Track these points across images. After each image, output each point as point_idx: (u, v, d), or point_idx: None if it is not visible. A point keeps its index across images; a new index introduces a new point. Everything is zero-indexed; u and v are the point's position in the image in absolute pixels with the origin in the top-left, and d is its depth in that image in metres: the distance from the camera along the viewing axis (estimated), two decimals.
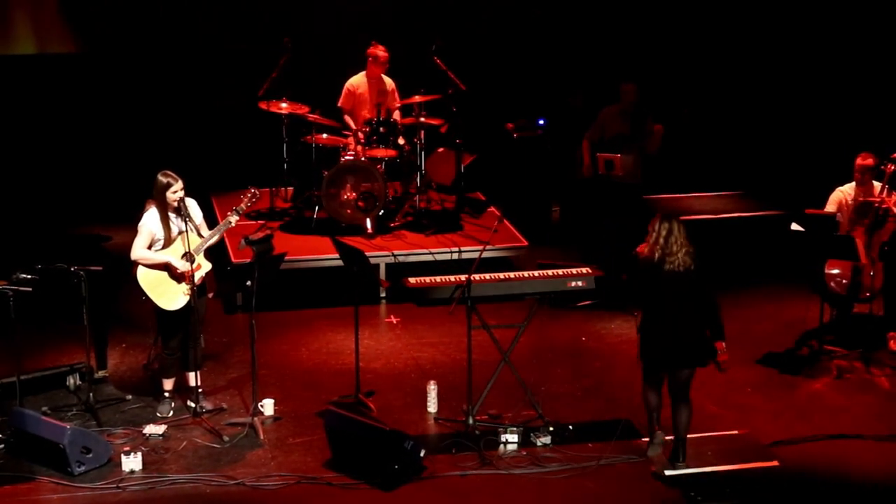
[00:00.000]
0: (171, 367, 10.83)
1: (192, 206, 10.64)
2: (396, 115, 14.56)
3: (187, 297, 10.46)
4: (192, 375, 10.75)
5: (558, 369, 11.57)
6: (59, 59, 16.69)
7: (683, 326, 9.55)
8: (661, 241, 9.51)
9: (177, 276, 10.45)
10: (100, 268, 10.70)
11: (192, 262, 10.39)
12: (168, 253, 10.45)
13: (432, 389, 10.79)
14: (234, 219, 10.66)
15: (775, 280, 13.79)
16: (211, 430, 10.40)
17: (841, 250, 11.57)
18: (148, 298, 10.46)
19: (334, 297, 12.91)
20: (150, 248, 10.46)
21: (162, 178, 10.40)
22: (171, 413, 10.72)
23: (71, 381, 11.22)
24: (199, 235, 10.56)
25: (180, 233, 10.45)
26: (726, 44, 16.96)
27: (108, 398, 11.05)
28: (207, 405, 10.78)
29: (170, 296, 10.49)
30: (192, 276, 10.38)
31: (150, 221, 10.48)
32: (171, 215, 10.47)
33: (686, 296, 9.52)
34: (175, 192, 10.37)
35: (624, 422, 10.41)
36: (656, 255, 9.51)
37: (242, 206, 10.82)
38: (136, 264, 10.44)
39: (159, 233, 10.49)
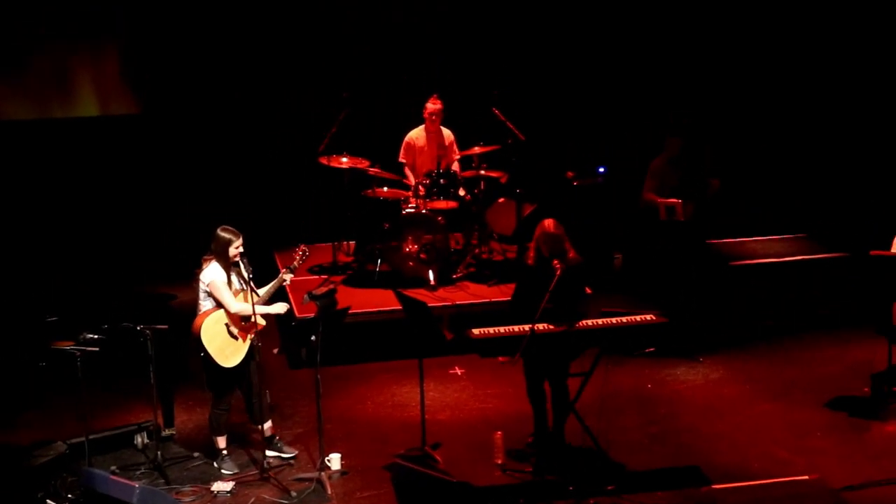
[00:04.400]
0: (224, 424, 10.87)
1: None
2: (455, 167, 14.57)
3: (244, 355, 10.54)
4: (265, 427, 10.82)
5: (624, 417, 11.51)
6: (121, 121, 16.87)
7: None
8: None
9: (236, 333, 10.53)
10: (165, 326, 10.79)
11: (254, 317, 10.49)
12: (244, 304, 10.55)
13: (499, 440, 10.78)
14: (288, 277, 10.77)
15: (840, 323, 13.65)
16: (279, 486, 10.43)
17: None
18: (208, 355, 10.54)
19: (398, 350, 12.90)
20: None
21: (224, 234, 10.49)
22: (236, 469, 10.75)
23: (139, 439, 11.30)
24: (253, 291, 10.63)
25: (242, 289, 10.54)
26: (786, 89, 16.92)
27: (176, 456, 11.11)
28: (288, 449, 10.91)
29: (228, 353, 10.54)
30: (255, 330, 10.49)
31: (219, 276, 10.53)
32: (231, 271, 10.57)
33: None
34: (237, 247, 10.46)
35: (691, 469, 10.37)
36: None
37: (294, 263, 10.94)
38: (197, 322, 10.51)
39: None
